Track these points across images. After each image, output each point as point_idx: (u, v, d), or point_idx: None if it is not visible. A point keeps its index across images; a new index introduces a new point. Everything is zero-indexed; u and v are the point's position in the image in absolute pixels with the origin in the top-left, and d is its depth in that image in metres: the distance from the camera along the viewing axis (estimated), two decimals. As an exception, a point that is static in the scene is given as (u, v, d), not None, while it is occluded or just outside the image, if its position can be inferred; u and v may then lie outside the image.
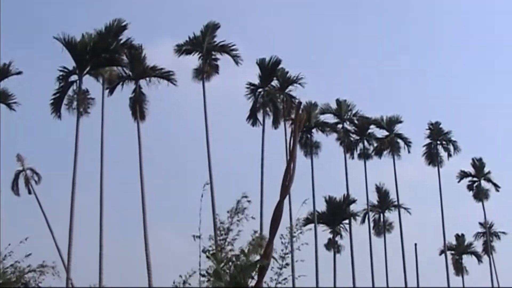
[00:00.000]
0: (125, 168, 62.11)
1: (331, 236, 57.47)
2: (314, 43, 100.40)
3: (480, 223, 65.59)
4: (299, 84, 51.59)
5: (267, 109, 50.19)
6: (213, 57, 47.93)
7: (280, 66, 50.47)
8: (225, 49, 48.16)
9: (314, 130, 55.59)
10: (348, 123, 58.13)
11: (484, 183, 64.45)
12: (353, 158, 58.32)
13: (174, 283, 16.78)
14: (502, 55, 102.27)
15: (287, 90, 51.31)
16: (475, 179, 64.72)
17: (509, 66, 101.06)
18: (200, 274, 14.45)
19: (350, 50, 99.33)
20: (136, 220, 42.01)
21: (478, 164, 64.25)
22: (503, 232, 64.75)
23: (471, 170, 65.08)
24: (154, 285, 38.73)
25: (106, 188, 42.67)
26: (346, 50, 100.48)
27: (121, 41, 42.59)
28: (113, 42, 42.59)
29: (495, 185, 63.87)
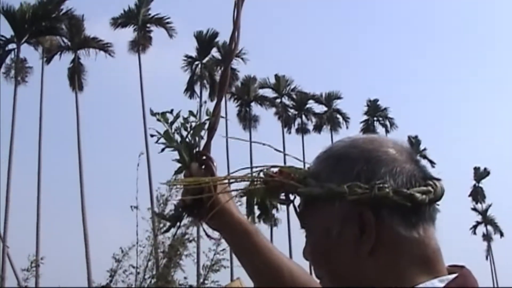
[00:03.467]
0: (63, 138, 65.72)
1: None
2: (254, 18, 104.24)
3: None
4: (241, 58, 55.17)
5: (204, 81, 53.83)
6: (147, 29, 51.69)
7: (221, 39, 53.56)
8: (160, 21, 51.80)
9: (253, 104, 59.30)
10: (286, 98, 61.85)
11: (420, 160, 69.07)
12: (290, 132, 61.85)
13: (113, 255, 20.32)
14: (442, 36, 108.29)
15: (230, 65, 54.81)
16: (411, 156, 68.94)
17: (448, 46, 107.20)
18: (138, 244, 17.93)
19: (290, 27, 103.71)
20: (73, 191, 44.55)
21: (414, 141, 69.13)
22: (438, 210, 70.05)
23: (407, 147, 69.31)
24: (92, 257, 40.78)
25: (44, 157, 44.78)
26: (286, 26, 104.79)
27: (62, 11, 45.89)
28: (54, 11, 45.78)
29: (431, 162, 68.76)
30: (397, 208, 1.25)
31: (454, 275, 1.26)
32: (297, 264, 1.78)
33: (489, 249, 71.05)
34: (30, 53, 46.36)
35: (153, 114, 1.74)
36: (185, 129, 1.72)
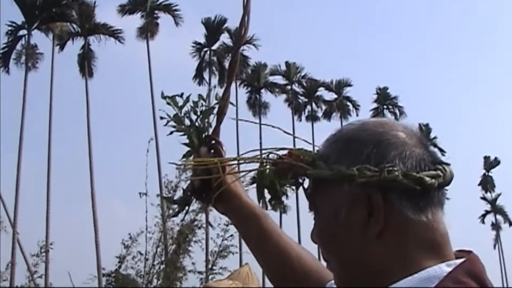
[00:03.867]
0: (73, 124, 66.04)
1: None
2: (266, 5, 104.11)
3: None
4: (253, 45, 55.17)
5: (213, 68, 53.75)
6: (155, 16, 51.63)
7: (230, 25, 53.58)
8: (167, 8, 51.73)
9: (263, 91, 59.24)
10: (297, 85, 61.82)
11: (430, 148, 68.91)
12: (300, 120, 61.99)
13: (123, 241, 20.30)
14: (452, 23, 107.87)
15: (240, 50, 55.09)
16: (422, 144, 68.70)
17: (460, 35, 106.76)
18: (147, 230, 17.86)
19: (302, 14, 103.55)
20: (83, 177, 44.34)
21: (425, 130, 68.87)
22: (447, 198, 70.00)
23: (418, 135, 69.09)
24: (101, 243, 40.62)
25: (54, 143, 45.86)
26: (298, 13, 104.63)
27: (73, -3, 45.54)
28: (64, -3, 45.57)
29: (441, 150, 68.43)
30: (406, 192, 1.24)
31: (461, 260, 1.25)
32: (305, 249, 1.78)
33: (497, 238, 70.95)
34: (41, 40, 46.24)
35: (163, 97, 1.75)
36: (195, 113, 1.72)
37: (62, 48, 48.06)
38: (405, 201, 1.24)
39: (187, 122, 1.73)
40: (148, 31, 50.42)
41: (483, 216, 73.32)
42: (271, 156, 1.50)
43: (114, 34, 48.74)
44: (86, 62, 47.57)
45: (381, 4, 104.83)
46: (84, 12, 47.58)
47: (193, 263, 19.44)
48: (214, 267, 19.49)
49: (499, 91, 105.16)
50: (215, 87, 1.76)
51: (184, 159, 1.73)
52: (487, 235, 72.16)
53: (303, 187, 1.42)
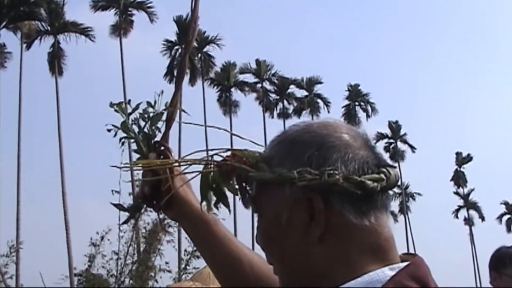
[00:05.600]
0: (43, 123, 65.65)
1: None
2: (236, 3, 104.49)
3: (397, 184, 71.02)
4: (217, 45, 55.99)
5: (184, 66, 53.60)
6: (129, 13, 51.58)
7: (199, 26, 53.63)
8: (141, 5, 51.71)
9: (233, 89, 59.61)
10: (267, 83, 62.20)
11: (400, 145, 69.60)
12: (272, 117, 62.36)
13: (91, 239, 20.25)
14: (419, 19, 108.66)
15: (204, 50, 55.89)
16: (391, 140, 69.47)
17: (428, 31, 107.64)
18: (119, 229, 17.90)
19: (272, 11, 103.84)
20: (54, 176, 44.20)
21: (395, 126, 69.54)
22: (418, 193, 70.45)
23: (388, 132, 69.84)
24: (73, 243, 40.64)
25: (24, 142, 45.24)
26: (267, 11, 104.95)
27: (40, -5, 45.28)
28: (32, -5, 45.34)
29: (411, 147, 69.44)
30: (347, 196, 1.22)
31: (405, 263, 1.24)
32: (258, 254, 1.75)
33: (471, 233, 71.64)
34: (9, 39, 45.96)
35: (111, 105, 1.74)
36: (143, 120, 1.71)
37: (29, 47, 47.81)
38: (347, 205, 1.22)
39: (136, 129, 1.72)
40: (121, 28, 50.30)
41: (457, 211, 74.08)
42: (217, 157, 1.48)
43: (85, 32, 48.52)
44: (55, 61, 47.35)
45: (351, 1, 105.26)
46: (53, 10, 47.32)
47: (166, 262, 19.42)
48: (187, 267, 19.48)
49: (472, 88, 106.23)
50: (162, 92, 1.74)
51: (128, 163, 1.71)
52: (461, 230, 72.93)
53: (247, 190, 1.40)
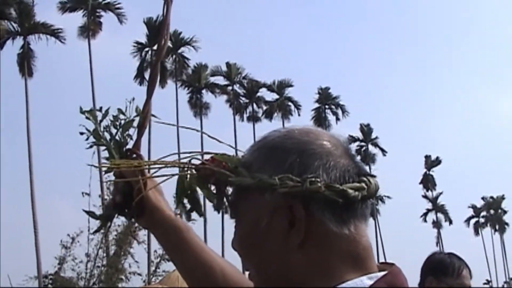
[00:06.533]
0: (12, 124, 65.05)
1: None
2: (208, 6, 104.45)
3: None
4: (193, 46, 55.96)
5: (155, 68, 53.35)
6: (97, 14, 51.21)
7: (173, 27, 53.61)
8: (109, 6, 51.43)
9: (204, 91, 59.45)
10: (238, 85, 62.26)
11: (371, 148, 69.87)
12: (242, 120, 62.37)
13: (61, 242, 20.04)
14: (389, 23, 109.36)
15: (179, 51, 55.80)
16: (362, 143, 69.54)
17: (399, 35, 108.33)
18: (89, 232, 17.73)
19: (243, 14, 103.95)
20: (22, 178, 43.69)
21: (366, 130, 69.84)
22: (388, 196, 70.91)
23: (359, 135, 69.91)
24: (42, 245, 40.20)
25: None
26: (239, 14, 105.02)
27: (11, -5, 44.88)
28: (2, -5, 44.94)
29: (382, 150, 69.78)
30: (328, 204, 1.21)
31: (383, 273, 1.23)
32: (229, 262, 1.75)
33: (439, 236, 72.19)
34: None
35: (82, 112, 1.71)
36: (115, 127, 1.70)
37: (1, 47, 47.20)
38: (328, 213, 1.21)
39: (107, 136, 1.70)
40: (89, 30, 49.93)
41: (425, 214, 74.64)
42: (194, 161, 1.46)
43: (55, 33, 48.09)
44: (25, 62, 46.80)
45: (322, 3, 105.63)
46: (23, 10, 46.82)
47: (136, 261, 19.33)
48: (157, 270, 19.41)
49: (441, 92, 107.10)
50: (134, 99, 1.72)
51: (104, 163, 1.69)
52: (429, 233, 73.40)
53: (226, 195, 1.38)
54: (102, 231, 1.76)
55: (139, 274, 19.35)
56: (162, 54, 1.83)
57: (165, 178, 1.51)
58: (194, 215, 1.56)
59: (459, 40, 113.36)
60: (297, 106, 64.55)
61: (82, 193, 16.20)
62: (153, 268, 20.16)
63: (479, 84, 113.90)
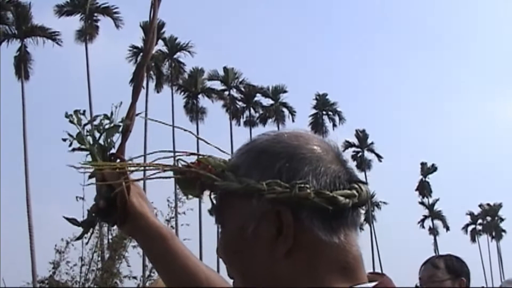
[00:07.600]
0: (8, 128, 65.03)
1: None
2: (205, 10, 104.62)
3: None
4: (188, 51, 56.10)
5: (151, 72, 53.40)
6: (95, 18, 51.26)
7: (168, 30, 53.82)
8: (107, 11, 51.52)
9: (200, 96, 59.46)
10: (234, 90, 62.32)
11: (367, 154, 70.11)
12: (239, 125, 62.53)
13: (56, 246, 20.02)
14: (388, 30, 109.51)
15: (175, 56, 55.84)
16: (358, 149, 69.79)
17: (397, 43, 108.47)
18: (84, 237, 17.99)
19: (241, 19, 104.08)
20: (18, 182, 43.85)
21: (362, 135, 69.95)
22: (384, 202, 70.93)
23: (355, 141, 70.21)
24: (36, 249, 40.21)
25: None
26: (237, 19, 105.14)
27: (8, -1, 45.01)
28: (-2, -1, 44.97)
29: (378, 156, 69.94)
30: (318, 211, 1.17)
31: (373, 283, 1.19)
32: (214, 271, 1.72)
33: (435, 243, 72.16)
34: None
35: (66, 116, 1.67)
36: (99, 131, 1.65)
37: (-3, 50, 47.00)
38: (317, 220, 1.17)
39: (91, 140, 1.65)
40: (87, 34, 49.92)
41: (422, 221, 74.66)
42: (180, 162, 1.41)
43: (52, 36, 48.22)
44: (22, 65, 46.85)
45: (320, 9, 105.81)
46: (20, 14, 46.86)
47: (129, 266, 19.28)
48: (152, 274, 19.37)
49: (438, 100, 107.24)
50: (121, 104, 1.67)
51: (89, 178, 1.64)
52: (426, 240, 73.38)
53: (211, 199, 1.33)
54: (85, 236, 1.70)
55: (134, 277, 19.27)
56: (148, 57, 1.79)
57: (147, 178, 1.47)
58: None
59: (455, 47, 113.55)
60: (292, 112, 64.73)
61: (76, 197, 16.24)
62: (147, 273, 20.09)
63: (476, 91, 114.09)
